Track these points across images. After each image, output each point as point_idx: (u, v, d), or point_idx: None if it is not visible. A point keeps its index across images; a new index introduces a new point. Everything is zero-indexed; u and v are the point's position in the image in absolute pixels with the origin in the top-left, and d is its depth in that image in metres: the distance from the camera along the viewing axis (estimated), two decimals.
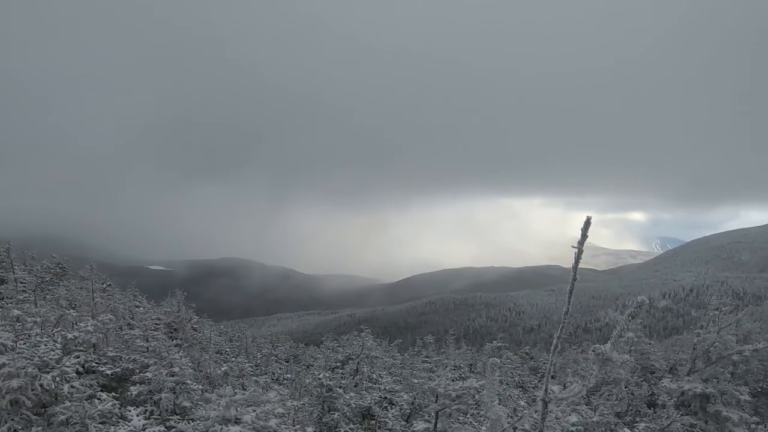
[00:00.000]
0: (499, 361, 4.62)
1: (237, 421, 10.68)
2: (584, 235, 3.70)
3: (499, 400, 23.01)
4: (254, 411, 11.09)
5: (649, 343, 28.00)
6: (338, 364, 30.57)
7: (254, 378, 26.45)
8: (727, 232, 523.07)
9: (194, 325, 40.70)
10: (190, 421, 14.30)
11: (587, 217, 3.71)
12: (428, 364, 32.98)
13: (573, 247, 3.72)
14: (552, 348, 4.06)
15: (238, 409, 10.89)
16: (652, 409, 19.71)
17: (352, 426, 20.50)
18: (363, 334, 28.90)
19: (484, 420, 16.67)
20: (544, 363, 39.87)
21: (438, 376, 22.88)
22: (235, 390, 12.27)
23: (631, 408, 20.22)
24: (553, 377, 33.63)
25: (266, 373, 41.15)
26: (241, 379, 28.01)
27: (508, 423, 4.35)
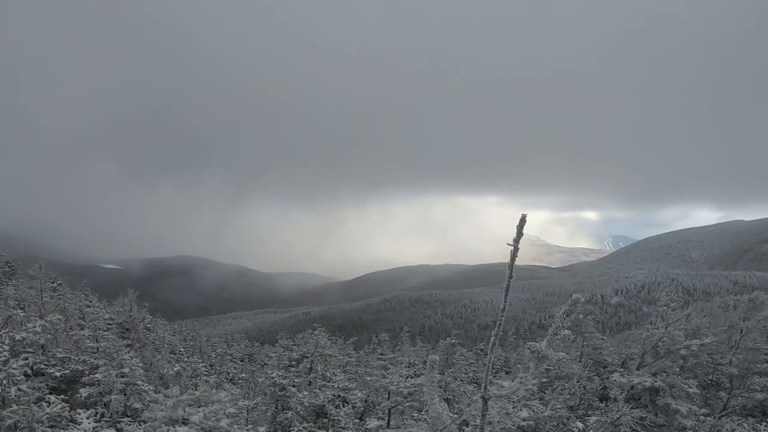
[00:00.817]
0: (437, 357, 4.55)
1: (185, 422, 10.46)
2: (519, 233, 3.67)
3: (452, 396, 23.12)
4: (202, 411, 10.87)
5: (602, 339, 28.31)
6: (293, 362, 30.35)
7: (204, 377, 26.14)
8: (678, 231, 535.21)
9: (147, 325, 40.14)
10: (141, 423, 14.02)
11: (522, 215, 3.68)
12: (382, 362, 32.95)
13: (508, 244, 3.67)
14: (490, 345, 4.00)
15: (186, 409, 10.67)
16: (604, 402, 19.91)
17: (306, 425, 20.34)
18: (316, 332, 28.71)
19: (459, 418, 16.63)
20: (498, 358, 40.16)
21: (391, 374, 22.85)
22: (186, 390, 12.06)
23: (583, 402, 20.43)
24: (507, 372, 33.89)
25: (221, 373, 40.78)
26: (194, 379, 27.68)
27: (451, 420, 4.27)
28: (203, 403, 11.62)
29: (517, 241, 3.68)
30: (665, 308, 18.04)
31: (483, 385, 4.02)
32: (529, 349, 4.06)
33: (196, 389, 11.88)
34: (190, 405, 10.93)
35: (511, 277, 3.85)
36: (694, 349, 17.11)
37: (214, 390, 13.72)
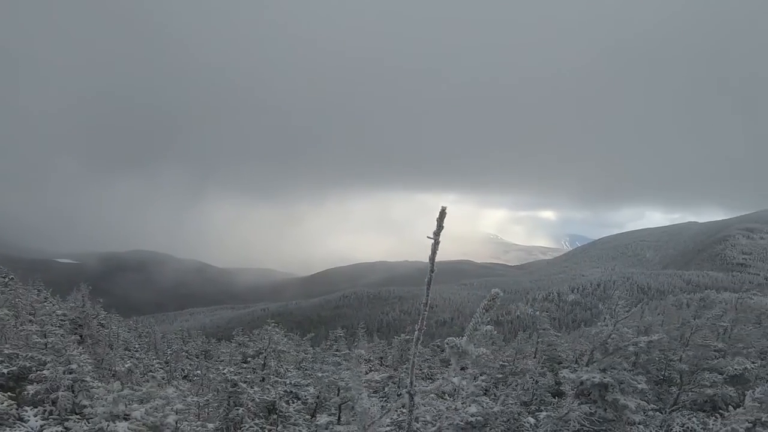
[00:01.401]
0: (363, 352, 4.41)
1: (126, 418, 10.23)
2: (440, 226, 3.58)
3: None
4: (144, 407, 10.63)
5: (557, 335, 28.58)
6: (248, 358, 30.08)
7: (151, 374, 25.76)
8: (633, 231, 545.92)
9: (101, 321, 39.45)
10: (89, 420, 13.72)
11: (442, 207, 3.59)
12: (337, 358, 32.84)
13: (429, 237, 3.57)
14: (414, 340, 3.89)
15: (128, 405, 10.42)
16: (557, 398, 20.05)
17: (257, 421, 20.12)
18: (269, 328, 28.46)
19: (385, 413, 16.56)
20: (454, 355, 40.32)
21: (342, 370, 22.76)
22: (128, 386, 11.79)
23: (536, 397, 20.54)
24: (463, 369, 33.95)
25: (176, 370, 40.29)
26: (146, 375, 27.29)
27: (380, 415, 4.14)
28: (147, 399, 11.37)
29: (437, 234, 3.58)
30: (614, 306, 18.20)
31: (409, 380, 3.90)
32: (447, 344, 3.96)
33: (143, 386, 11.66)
34: (131, 401, 10.67)
35: (432, 270, 3.75)
36: (643, 345, 17.29)
37: (160, 386, 13.46)
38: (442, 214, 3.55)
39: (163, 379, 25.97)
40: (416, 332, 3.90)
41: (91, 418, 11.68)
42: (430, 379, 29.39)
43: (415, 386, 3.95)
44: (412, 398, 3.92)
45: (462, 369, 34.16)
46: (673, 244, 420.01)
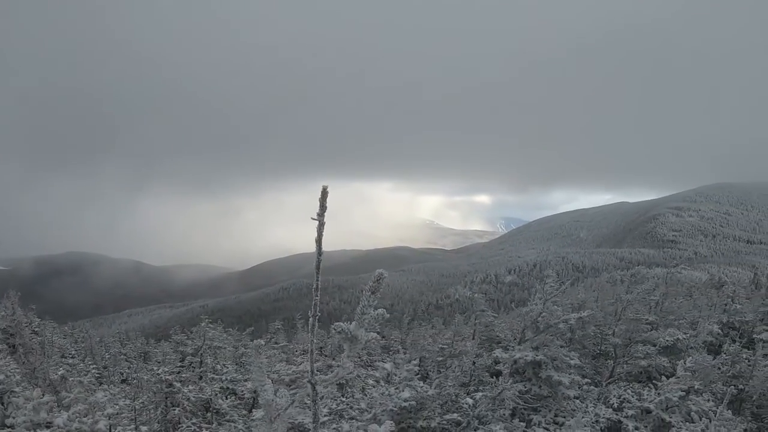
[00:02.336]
0: (262, 342, 4.24)
1: (48, 425, 9.84)
2: (323, 206, 3.43)
3: (345, 382, 22.95)
4: (66, 413, 10.24)
5: (494, 316, 28.76)
6: (186, 357, 29.58)
7: (78, 378, 25.09)
8: (567, 212, 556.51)
9: (35, 329, 38.37)
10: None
11: (323, 186, 3.44)
12: (275, 351, 32.54)
13: (312, 218, 3.41)
14: (310, 328, 3.74)
15: (49, 412, 10.03)
16: (495, 377, 20.18)
17: (194, 420, 19.75)
18: (203, 324, 28.02)
19: (290, 404, 16.42)
20: (395, 341, 40.33)
21: (276, 363, 22.60)
22: (61, 393, 11.38)
23: (474, 378, 20.62)
24: (405, 353, 33.98)
25: (114, 374, 39.43)
26: (74, 381, 26.56)
27: (287, 405, 3.96)
28: (71, 405, 10.97)
29: (321, 215, 3.41)
30: (543, 284, 18.38)
31: (310, 369, 3.74)
32: (335, 329, 3.82)
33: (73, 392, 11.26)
34: (54, 408, 10.28)
35: (320, 254, 3.58)
36: (573, 322, 17.54)
37: (88, 391, 13.03)
38: (324, 194, 3.40)
39: (91, 383, 25.28)
40: (311, 319, 3.74)
41: (13, 429, 11.24)
42: (371, 366, 29.31)
43: (317, 375, 3.79)
44: (315, 388, 3.76)
45: (401, 352, 34.19)
46: (605, 224, 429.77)
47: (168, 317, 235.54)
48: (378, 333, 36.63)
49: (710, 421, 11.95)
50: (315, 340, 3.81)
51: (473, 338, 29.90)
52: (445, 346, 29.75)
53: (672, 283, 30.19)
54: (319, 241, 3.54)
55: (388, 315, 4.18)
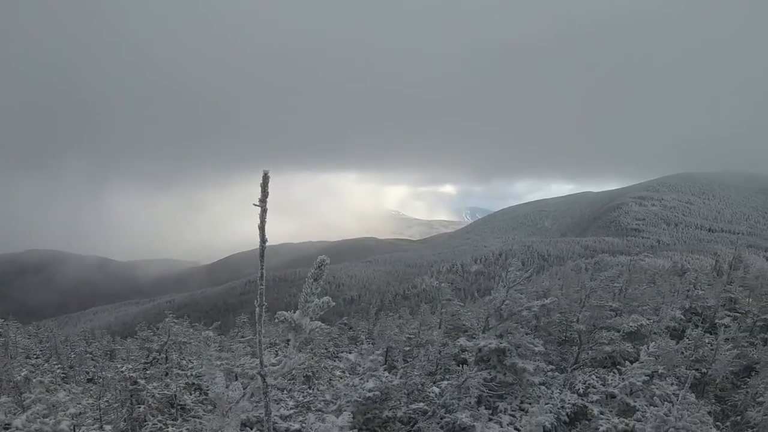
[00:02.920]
0: (212, 333, 4.15)
1: (6, 427, 9.64)
2: (264, 192, 3.37)
3: (312, 373, 22.90)
4: (25, 414, 10.03)
5: (460, 305, 28.85)
6: (153, 353, 29.26)
7: (39, 379, 24.71)
8: (532, 202, 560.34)
9: None
10: None
11: (264, 171, 3.36)
12: (242, 344, 32.34)
13: (254, 204, 3.34)
14: (257, 318, 3.68)
15: (8, 413, 9.82)
16: (461, 366, 20.26)
17: (160, 417, 19.54)
18: (167, 320, 27.74)
19: (288, 398, 16.39)
20: (362, 332, 40.27)
21: (240, 356, 22.44)
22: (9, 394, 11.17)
23: (440, 367, 20.67)
24: (372, 343, 33.95)
25: (80, 373, 38.86)
26: (35, 381, 26.14)
27: (239, 397, 3.89)
28: (31, 406, 10.76)
29: (263, 201, 3.34)
30: (506, 273, 18.48)
31: (259, 361, 3.67)
32: (278, 318, 3.76)
33: (48, 392, 11.03)
34: (11, 409, 10.07)
35: (264, 241, 3.52)
36: (536, 310, 17.66)
37: (50, 392, 12.80)
38: (265, 179, 3.33)
39: (53, 383, 24.87)
40: (257, 309, 3.67)
41: None
42: (338, 357, 29.27)
43: (266, 367, 3.72)
44: (264, 380, 3.69)
45: (372, 343, 34.15)
46: (570, 213, 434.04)
47: (134, 314, 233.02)
48: (345, 324, 36.45)
49: (673, 405, 12.08)
50: (263, 331, 3.73)
51: (439, 327, 29.97)
52: (411, 336, 29.77)
53: (635, 271, 30.45)
54: (262, 227, 3.47)
55: (333, 303, 4.11)
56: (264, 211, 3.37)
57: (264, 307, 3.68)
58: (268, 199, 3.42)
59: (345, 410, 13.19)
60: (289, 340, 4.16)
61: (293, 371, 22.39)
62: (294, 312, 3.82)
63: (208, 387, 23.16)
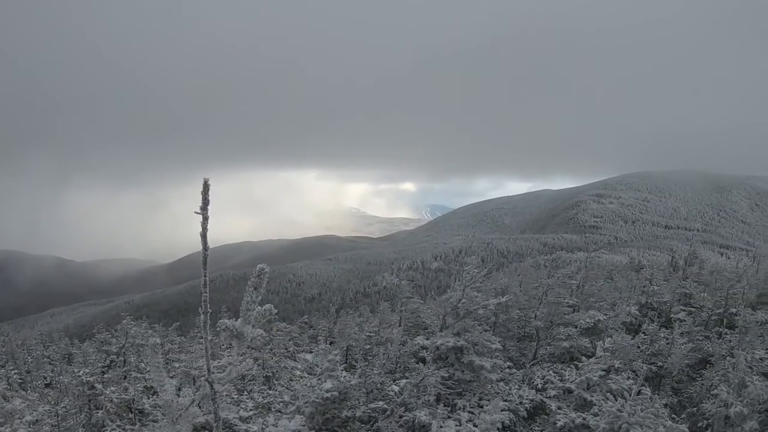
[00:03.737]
0: (158, 340, 4.14)
1: None
2: (205, 200, 3.37)
3: (272, 374, 22.79)
4: None
5: (420, 302, 29.00)
6: (112, 356, 28.83)
7: None
8: (492, 199, 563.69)
9: None
10: None
11: (204, 179, 3.37)
12: (201, 345, 32.01)
13: (196, 212, 3.34)
14: (202, 325, 3.67)
15: None
16: (420, 363, 20.34)
17: (119, 422, 19.30)
18: (124, 321, 27.36)
19: (248, 399, 16.33)
20: (322, 329, 40.24)
21: (199, 358, 22.22)
22: None
23: (399, 365, 20.74)
24: (332, 343, 33.93)
25: (37, 378, 38.21)
26: (3, 389, 25.65)
27: (189, 403, 3.87)
28: None
29: (204, 208, 3.34)
30: (462, 272, 18.59)
31: (206, 367, 3.66)
32: (219, 326, 3.77)
33: (5, 399, 10.80)
34: None
35: (206, 249, 3.52)
36: (492, 308, 17.78)
37: (5, 398, 12.58)
38: (206, 187, 3.33)
39: (7, 390, 24.43)
40: (202, 316, 3.67)
41: None
42: (296, 358, 29.20)
43: (213, 374, 3.72)
44: (212, 386, 3.68)
45: (331, 343, 34.10)
46: (529, 210, 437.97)
47: (92, 315, 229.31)
48: (306, 323, 36.32)
49: (626, 401, 12.27)
50: (209, 337, 3.72)
51: (400, 325, 30.07)
52: (372, 334, 29.83)
53: (592, 267, 30.89)
54: (203, 235, 3.46)
55: (276, 310, 4.12)
56: (205, 219, 3.36)
57: (208, 313, 3.67)
58: (204, 206, 3.41)
59: (304, 411, 13.19)
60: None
61: (250, 373, 22.32)
62: (235, 320, 3.82)
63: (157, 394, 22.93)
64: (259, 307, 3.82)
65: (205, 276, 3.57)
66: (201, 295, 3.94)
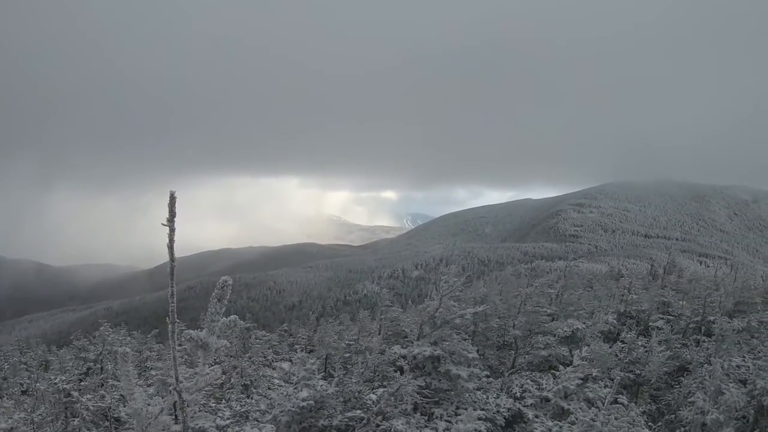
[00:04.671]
0: (129, 350, 4.16)
1: None
2: (172, 212, 3.40)
3: (250, 382, 22.70)
4: None
5: (400, 311, 29.00)
6: (90, 363, 28.62)
7: None
8: (473, 208, 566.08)
9: None
10: None
11: (171, 192, 3.39)
12: (179, 353, 31.89)
13: (163, 224, 3.37)
14: (170, 335, 3.70)
15: None
16: (399, 372, 20.35)
17: (95, 430, 19.16)
18: (102, 328, 27.19)
19: (226, 408, 16.26)
20: (302, 338, 40.10)
21: (178, 365, 22.06)
22: None
23: (378, 374, 20.72)
24: (311, 351, 33.83)
25: (14, 385, 37.79)
26: None
27: (158, 412, 3.88)
28: None
29: (171, 221, 3.36)
30: (439, 281, 18.68)
31: (174, 377, 3.68)
32: (184, 337, 3.80)
33: None
34: None
35: (173, 260, 3.53)
36: (468, 317, 17.86)
37: None
38: (172, 199, 3.36)
39: None
40: (170, 326, 3.69)
41: None
42: (272, 366, 29.07)
43: (181, 383, 3.73)
44: (180, 395, 3.70)
45: (310, 351, 34.00)
46: (510, 220, 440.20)
47: (71, 321, 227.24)
48: (286, 331, 36.18)
49: (599, 410, 12.34)
50: (177, 347, 3.74)
51: (379, 333, 30.04)
52: (351, 343, 29.77)
53: (571, 276, 31.11)
54: (170, 247, 3.48)
55: (243, 321, 4.16)
56: (172, 231, 3.38)
57: (176, 323, 3.69)
58: (171, 218, 3.42)
59: (280, 420, 13.17)
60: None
61: (228, 382, 22.24)
62: (200, 330, 3.84)
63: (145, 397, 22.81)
64: (224, 318, 3.85)
65: (172, 286, 3.60)
66: (176, 304, 3.96)
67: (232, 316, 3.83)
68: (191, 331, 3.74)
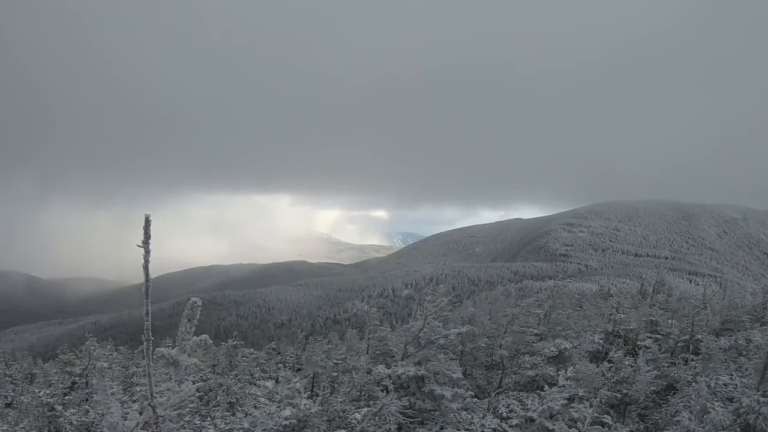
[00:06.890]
0: (107, 365, 4.21)
1: None
2: (147, 234, 3.49)
3: (236, 399, 22.60)
4: None
5: (388, 330, 29.02)
6: (75, 378, 28.46)
7: None
8: (463, 228, 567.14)
9: None
10: None
11: (146, 215, 3.46)
12: (164, 370, 31.69)
13: (138, 246, 3.42)
14: (145, 351, 3.74)
15: None
16: (385, 392, 20.34)
17: None
18: (88, 343, 27.07)
19: (210, 425, 16.21)
20: (290, 356, 40.01)
21: (164, 381, 21.98)
22: None
23: (364, 393, 20.71)
24: (299, 369, 33.75)
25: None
26: None
27: (134, 426, 3.91)
28: None
29: (146, 242, 3.41)
30: (422, 302, 18.71)
31: (149, 393, 3.72)
32: (155, 354, 3.85)
33: None
34: None
35: (148, 280, 3.58)
36: (452, 338, 17.88)
37: None
38: (147, 222, 3.41)
39: None
40: (145, 343, 3.74)
41: None
42: (256, 384, 28.96)
43: (156, 398, 3.77)
44: (155, 411, 3.73)
45: (298, 370, 33.90)
46: (500, 239, 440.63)
47: (57, 335, 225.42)
48: (274, 349, 36.01)
49: (579, 431, 12.36)
50: (152, 364, 3.78)
51: (367, 353, 30.01)
52: (339, 362, 29.74)
53: (559, 295, 31.20)
54: (146, 267, 3.53)
55: (212, 341, 4.20)
56: (147, 253, 3.42)
57: (150, 341, 3.73)
58: (146, 240, 3.46)
59: None
60: (214, 365, 4.20)
61: (209, 399, 22.16)
62: (171, 348, 3.88)
63: (128, 413, 22.68)
64: (195, 337, 3.90)
65: (147, 305, 3.65)
66: (150, 322, 3.99)
67: (202, 336, 3.89)
68: (162, 349, 3.79)
